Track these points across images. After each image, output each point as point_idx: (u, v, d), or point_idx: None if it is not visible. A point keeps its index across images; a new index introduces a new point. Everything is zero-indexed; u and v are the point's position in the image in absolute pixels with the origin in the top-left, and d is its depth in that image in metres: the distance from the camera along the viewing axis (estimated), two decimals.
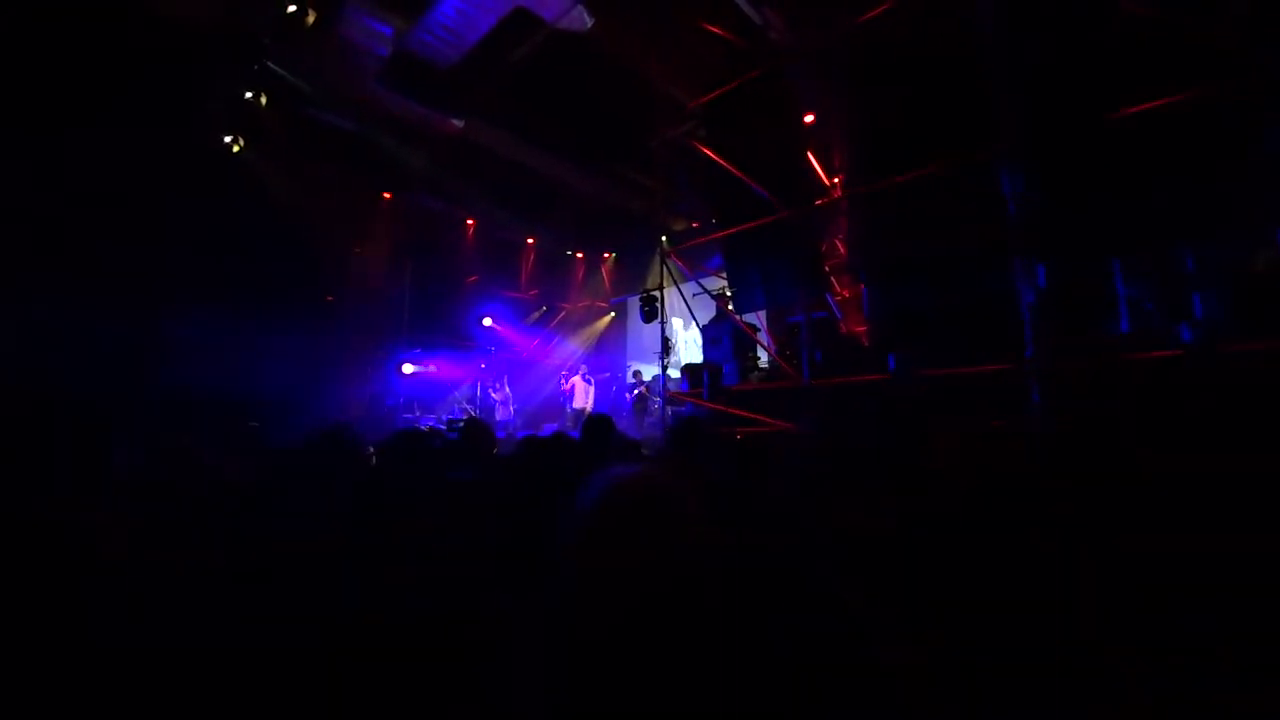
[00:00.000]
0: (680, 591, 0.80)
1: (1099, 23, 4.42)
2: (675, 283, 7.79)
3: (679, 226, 11.68)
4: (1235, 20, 3.78)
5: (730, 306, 8.22)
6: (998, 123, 4.57)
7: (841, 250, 7.50)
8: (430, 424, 11.04)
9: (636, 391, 11.02)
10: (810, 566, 1.21)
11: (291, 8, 7.49)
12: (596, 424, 3.06)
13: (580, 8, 7.30)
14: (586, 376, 11.81)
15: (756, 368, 7.87)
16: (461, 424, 4.01)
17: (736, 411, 6.25)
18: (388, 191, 12.27)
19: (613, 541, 0.82)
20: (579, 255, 15.22)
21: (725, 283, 9.01)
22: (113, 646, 1.09)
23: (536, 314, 15.14)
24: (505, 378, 12.77)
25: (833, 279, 7.23)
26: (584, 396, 11.57)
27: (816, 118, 6.91)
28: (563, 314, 15.41)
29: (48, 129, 7.44)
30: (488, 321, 14.08)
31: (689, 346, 12.27)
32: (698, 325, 8.10)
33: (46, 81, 7.18)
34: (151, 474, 2.18)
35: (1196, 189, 4.56)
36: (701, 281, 8.49)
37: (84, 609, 1.17)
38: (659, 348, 8.18)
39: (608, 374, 13.69)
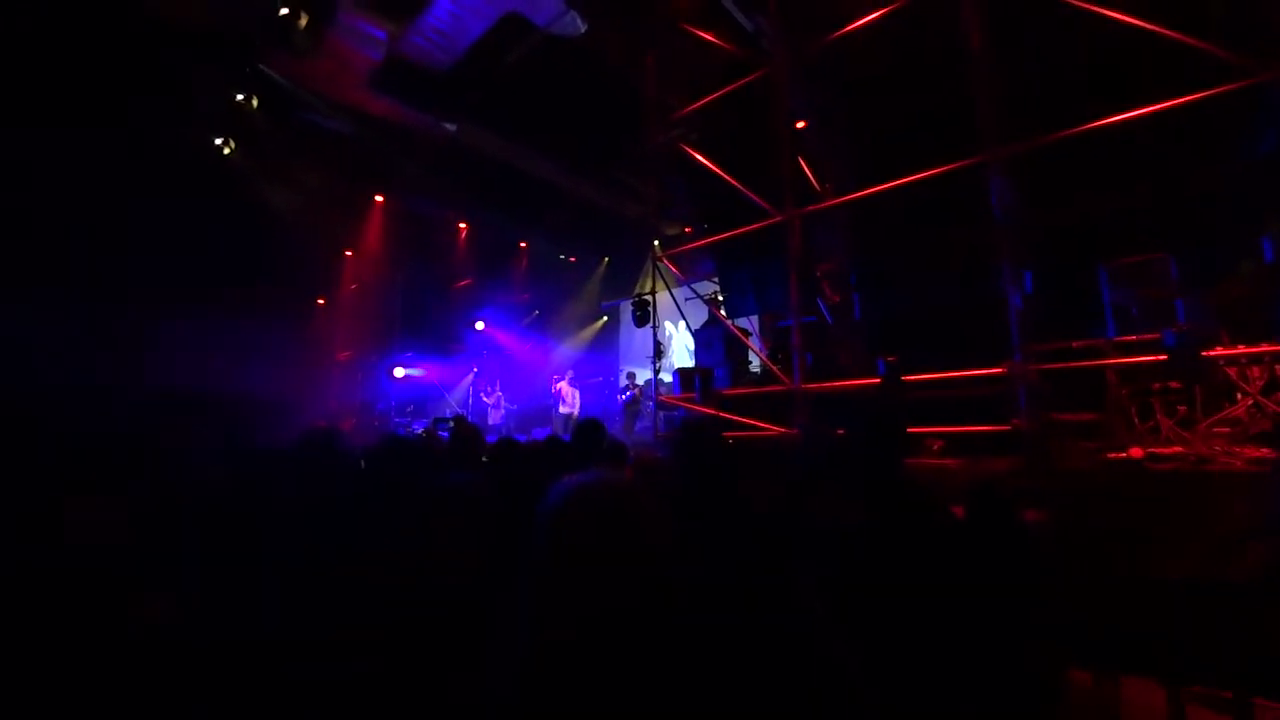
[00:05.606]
0: (646, 596, 0.80)
1: (1083, 33, 4.49)
2: (668, 287, 7.81)
3: (672, 231, 11.69)
4: (1218, 29, 3.84)
5: (722, 311, 8.24)
6: (985, 131, 4.63)
7: (832, 255, 7.55)
8: (424, 427, 10.97)
9: (629, 395, 11.01)
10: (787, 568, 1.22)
11: (284, 10, 7.46)
12: (587, 428, 3.05)
13: (573, 13, 7.33)
14: (573, 381, 11.78)
15: (748, 372, 7.88)
16: (451, 423, 3.98)
17: (728, 416, 6.26)
18: (380, 195, 12.24)
19: (578, 548, 0.82)
20: (572, 259, 15.23)
21: (717, 287, 9.04)
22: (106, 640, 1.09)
23: (529, 318, 15.12)
24: (498, 382, 12.74)
25: (824, 284, 7.27)
26: (571, 401, 11.55)
27: (807, 124, 6.97)
28: (555, 318, 15.40)
29: (36, 131, 7.38)
30: (480, 325, 14.04)
31: (681, 351, 12.29)
32: (689, 329, 8.12)
33: (35, 83, 7.13)
34: (140, 473, 2.18)
35: (1181, 196, 4.63)
36: (693, 286, 8.51)
37: (78, 602, 1.16)
38: (651, 352, 8.18)
39: (600, 378, 13.66)
